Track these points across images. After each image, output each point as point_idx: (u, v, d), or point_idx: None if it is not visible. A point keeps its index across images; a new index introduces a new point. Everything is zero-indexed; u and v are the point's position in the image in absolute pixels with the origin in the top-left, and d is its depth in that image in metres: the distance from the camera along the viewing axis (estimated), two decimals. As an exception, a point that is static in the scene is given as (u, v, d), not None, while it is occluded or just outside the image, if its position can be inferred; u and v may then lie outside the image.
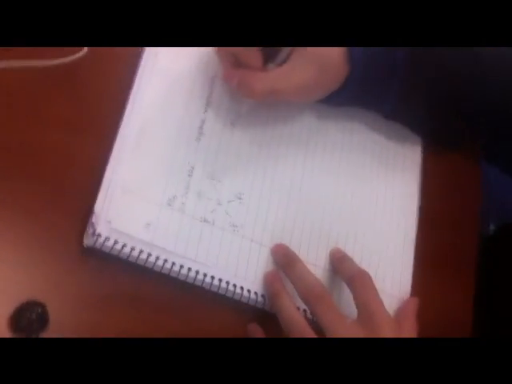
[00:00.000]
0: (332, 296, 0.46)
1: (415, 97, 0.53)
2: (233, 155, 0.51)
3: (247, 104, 0.52)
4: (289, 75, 0.47)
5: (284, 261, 0.48)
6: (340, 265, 0.50)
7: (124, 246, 0.43)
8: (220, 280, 0.46)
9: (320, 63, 0.48)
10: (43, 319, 0.40)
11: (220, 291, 0.46)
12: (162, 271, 0.45)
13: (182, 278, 0.45)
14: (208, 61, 0.52)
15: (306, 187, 0.53)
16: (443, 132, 0.57)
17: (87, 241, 0.43)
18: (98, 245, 0.43)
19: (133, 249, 0.44)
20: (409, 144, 0.60)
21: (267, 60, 0.48)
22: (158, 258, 0.44)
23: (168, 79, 0.50)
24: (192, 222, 0.47)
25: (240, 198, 0.50)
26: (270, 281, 0.47)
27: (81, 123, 0.47)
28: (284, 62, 0.48)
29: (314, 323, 0.44)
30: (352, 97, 0.52)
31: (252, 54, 0.47)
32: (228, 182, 0.50)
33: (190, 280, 0.45)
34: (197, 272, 0.45)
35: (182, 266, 0.45)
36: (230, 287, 0.46)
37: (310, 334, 0.43)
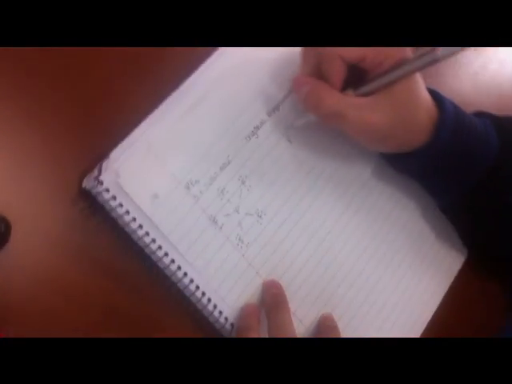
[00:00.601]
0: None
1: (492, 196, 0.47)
2: (275, 170, 0.46)
3: (314, 127, 0.48)
4: (364, 109, 0.42)
5: (272, 301, 0.43)
6: (324, 334, 0.44)
7: (120, 205, 0.39)
8: (197, 287, 0.41)
9: (405, 115, 0.43)
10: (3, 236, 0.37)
11: (191, 297, 0.42)
12: (145, 249, 0.41)
13: (161, 265, 0.41)
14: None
15: (332, 239, 0.48)
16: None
17: (87, 182, 0.39)
18: (95, 192, 0.39)
19: (127, 212, 0.40)
20: (455, 246, 0.54)
21: (349, 85, 0.43)
22: (147, 234, 0.40)
23: (248, 67, 0.46)
24: (200, 215, 0.42)
25: (260, 217, 0.45)
26: (246, 313, 0.42)
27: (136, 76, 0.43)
28: (366, 95, 0.43)
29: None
30: (422, 167, 0.47)
31: (338, 64, 0.42)
32: (256, 195, 0.45)
33: (167, 272, 0.41)
34: (179, 267, 0.41)
35: (166, 254, 0.41)
36: (205, 301, 0.42)
37: None
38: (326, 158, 0.49)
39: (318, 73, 0.43)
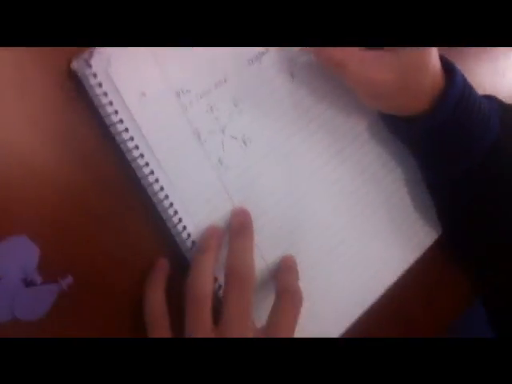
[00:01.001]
0: (254, 292, 0.40)
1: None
2: (271, 101, 0.45)
3: (318, 70, 0.46)
4: (367, 62, 0.41)
5: (237, 227, 0.42)
6: (283, 273, 0.44)
7: (104, 94, 0.38)
8: (166, 196, 0.40)
9: (409, 78, 0.41)
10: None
11: (158, 205, 0.41)
12: (121, 146, 0.39)
13: (134, 166, 0.40)
14: None
15: (312, 184, 0.47)
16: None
17: (76, 64, 0.37)
18: (81, 74, 0.37)
19: (110, 103, 0.38)
20: (430, 222, 0.53)
21: None
22: (126, 131, 0.39)
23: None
24: (185, 125, 0.41)
25: (245, 143, 0.44)
26: (209, 234, 0.41)
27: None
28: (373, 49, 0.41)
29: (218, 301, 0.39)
30: (415, 136, 0.46)
31: None
32: (246, 120, 0.44)
33: (139, 173, 0.40)
34: (151, 171, 0.40)
35: (142, 156, 0.39)
36: (172, 213, 0.41)
37: (205, 308, 0.38)
38: (324, 103, 0.47)
39: None
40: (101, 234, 0.40)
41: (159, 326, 0.39)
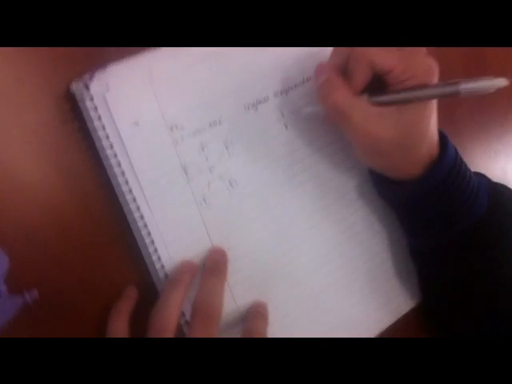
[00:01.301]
0: (219, 332, 0.40)
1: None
2: (262, 148, 0.46)
3: (314, 123, 0.48)
4: (370, 117, 0.42)
5: (211, 266, 0.42)
6: (253, 317, 0.43)
7: (98, 118, 0.39)
8: (145, 225, 0.41)
9: (406, 141, 0.42)
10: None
11: (136, 232, 0.41)
12: (108, 171, 0.40)
13: (118, 191, 0.40)
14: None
15: (294, 235, 0.47)
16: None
17: (75, 86, 0.39)
18: (79, 96, 0.39)
19: (102, 128, 0.39)
20: (410, 289, 0.53)
21: (366, 91, 0.43)
22: (114, 156, 0.40)
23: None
24: (173, 159, 0.42)
25: (231, 185, 0.45)
26: (183, 269, 0.42)
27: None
28: (378, 106, 0.42)
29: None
30: (400, 201, 0.47)
31: (365, 67, 0.41)
32: (235, 164, 0.45)
33: (122, 200, 0.41)
34: (134, 199, 0.40)
35: (126, 182, 0.40)
36: (148, 242, 0.41)
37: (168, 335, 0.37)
38: (315, 157, 0.48)
39: (345, 68, 0.43)
40: (74, 255, 0.40)
41: None
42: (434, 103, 0.42)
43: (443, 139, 0.45)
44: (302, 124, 0.47)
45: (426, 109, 0.41)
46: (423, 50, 0.42)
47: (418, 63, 0.41)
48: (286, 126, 0.47)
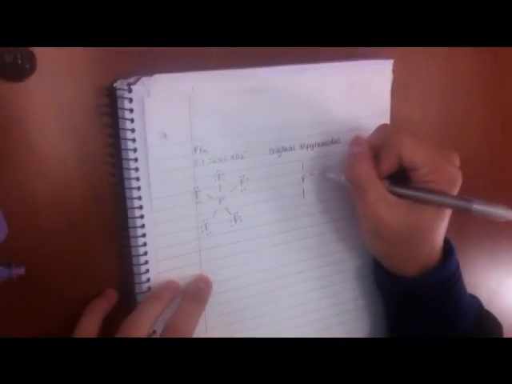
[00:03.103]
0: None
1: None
2: (276, 194, 0.47)
3: (333, 193, 0.49)
4: (384, 202, 0.42)
5: (194, 292, 0.43)
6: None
7: (131, 120, 0.40)
8: (143, 234, 0.41)
9: (411, 239, 0.43)
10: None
11: (131, 239, 0.41)
12: (124, 173, 0.40)
13: (128, 195, 0.41)
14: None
15: (281, 286, 0.48)
16: None
17: (119, 84, 0.39)
18: (120, 94, 0.39)
19: (132, 130, 0.40)
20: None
21: (391, 179, 0.43)
22: (135, 161, 0.40)
23: (337, 97, 0.47)
24: (188, 179, 0.43)
25: (235, 220, 0.45)
26: (167, 287, 0.42)
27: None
28: (394, 194, 0.43)
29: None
30: (389, 294, 0.48)
31: (394, 158, 0.42)
32: (245, 200, 0.45)
33: (129, 204, 0.41)
34: (140, 206, 0.41)
35: (138, 188, 0.40)
36: (141, 252, 0.41)
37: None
38: (326, 218, 0.49)
39: (379, 149, 0.44)
40: (69, 241, 0.40)
41: None
42: (448, 211, 0.43)
43: (449, 250, 0.45)
44: (318, 183, 0.48)
45: (437, 213, 0.42)
46: (455, 157, 0.43)
47: (443, 170, 0.42)
48: (303, 179, 0.48)
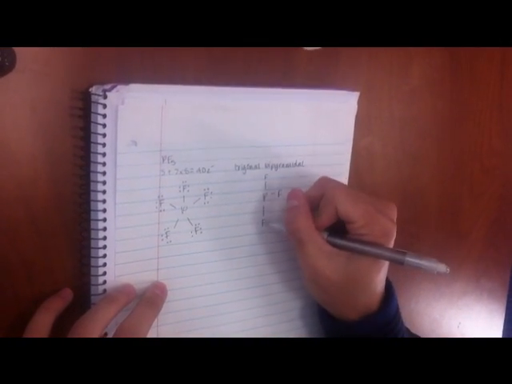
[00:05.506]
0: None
1: None
2: (237, 209, 0.48)
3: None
4: (323, 255, 0.43)
5: (149, 297, 0.43)
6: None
7: (102, 126, 0.40)
8: (104, 237, 0.42)
9: (348, 292, 0.44)
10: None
11: (92, 239, 0.42)
12: (91, 176, 0.41)
13: (93, 197, 0.42)
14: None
15: (230, 307, 0.49)
16: None
17: (95, 89, 0.40)
18: (94, 99, 0.40)
19: (103, 135, 0.41)
20: None
21: (329, 230, 0.45)
22: (103, 165, 0.41)
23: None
24: (153, 187, 0.44)
25: (195, 231, 0.46)
26: (122, 291, 0.42)
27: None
28: (333, 246, 0.44)
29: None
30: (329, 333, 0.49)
31: (332, 211, 0.44)
32: (207, 213, 0.46)
33: (93, 206, 0.42)
34: (104, 210, 0.42)
35: (104, 192, 0.41)
36: (101, 254, 0.42)
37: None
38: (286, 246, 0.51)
39: (319, 202, 0.45)
40: (28, 233, 0.41)
41: None
42: (385, 262, 0.44)
43: (389, 293, 0.46)
44: (278, 205, 0.50)
45: (374, 264, 0.43)
46: (392, 207, 0.44)
47: (377, 224, 0.43)
48: (264, 198, 0.49)
